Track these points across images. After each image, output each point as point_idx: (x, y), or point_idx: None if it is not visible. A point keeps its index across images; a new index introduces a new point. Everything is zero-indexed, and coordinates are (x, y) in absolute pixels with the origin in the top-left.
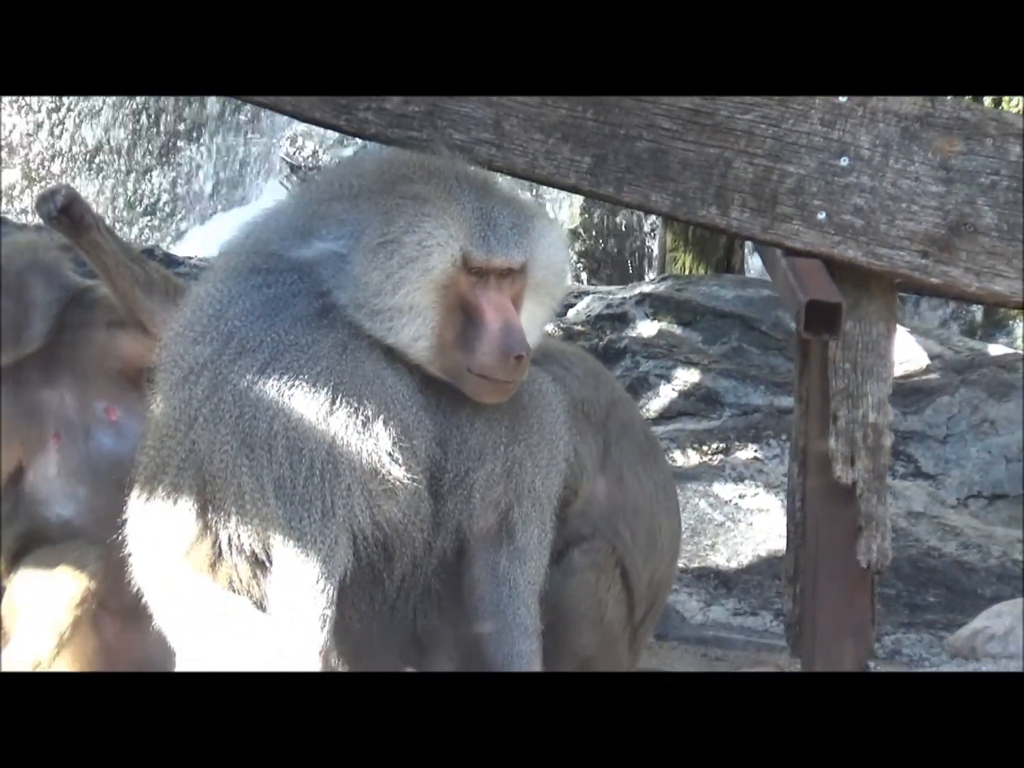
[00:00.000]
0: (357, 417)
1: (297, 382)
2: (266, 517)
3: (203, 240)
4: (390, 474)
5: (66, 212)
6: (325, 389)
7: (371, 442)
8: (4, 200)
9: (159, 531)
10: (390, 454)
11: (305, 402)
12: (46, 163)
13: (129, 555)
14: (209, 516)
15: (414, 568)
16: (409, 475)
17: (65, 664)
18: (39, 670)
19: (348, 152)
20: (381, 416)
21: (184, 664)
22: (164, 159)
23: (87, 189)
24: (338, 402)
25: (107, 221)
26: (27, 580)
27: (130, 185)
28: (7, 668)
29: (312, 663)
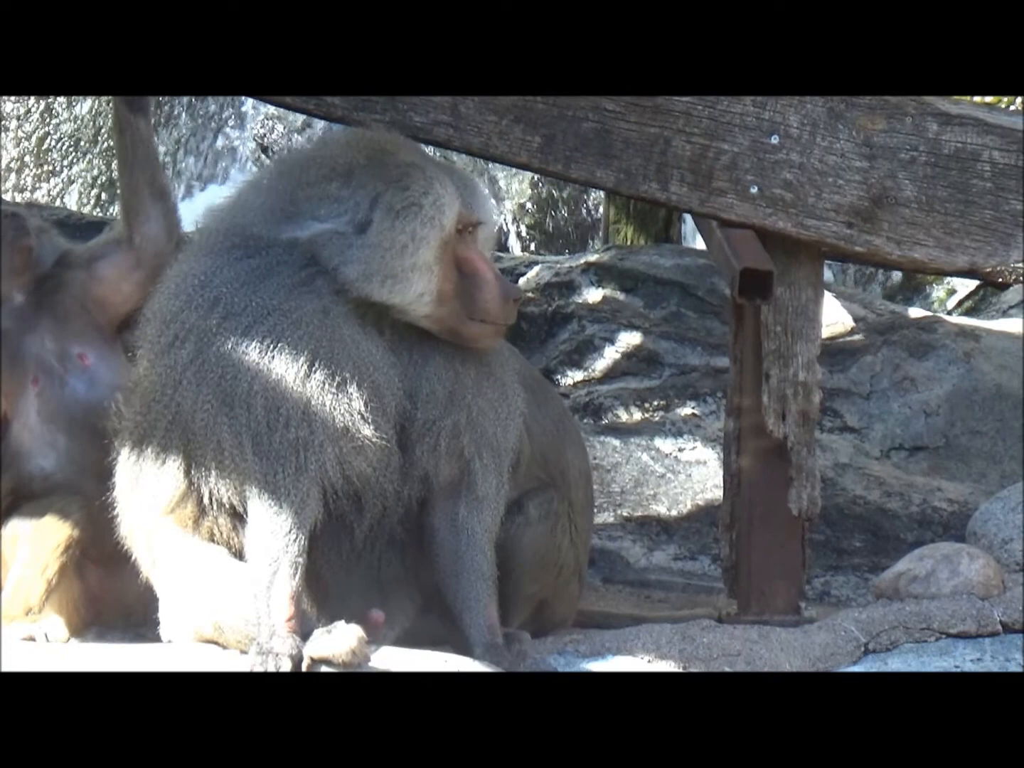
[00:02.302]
0: (333, 380)
1: (278, 345)
2: (243, 471)
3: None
4: (360, 433)
5: None
6: (304, 352)
7: (344, 403)
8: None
9: (147, 492)
10: (361, 414)
11: (285, 364)
12: (38, 143)
13: (117, 514)
14: (193, 475)
15: (382, 518)
16: (378, 433)
17: (53, 610)
18: (31, 615)
19: (317, 133)
20: (355, 379)
21: (168, 610)
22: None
23: (73, 168)
24: (315, 365)
25: (91, 200)
26: (14, 532)
27: (113, 164)
28: (1, 617)
29: (283, 608)
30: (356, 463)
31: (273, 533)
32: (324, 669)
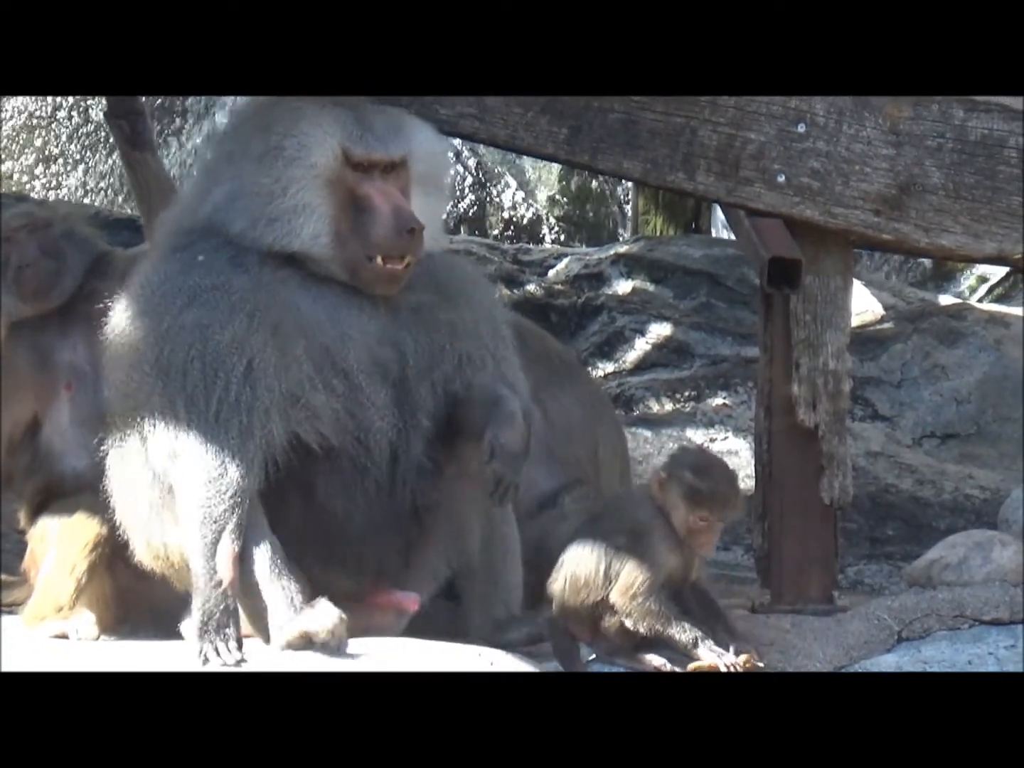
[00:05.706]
0: (274, 346)
1: (213, 315)
2: (177, 437)
3: None
4: (311, 401)
5: (132, 125)
6: (239, 318)
7: (295, 369)
8: (25, 177)
9: (127, 483)
10: (311, 379)
11: (221, 330)
12: (63, 143)
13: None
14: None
15: (397, 454)
16: (334, 397)
17: (84, 608)
18: (62, 613)
19: None
20: (301, 342)
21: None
22: (175, 136)
23: (100, 166)
24: (253, 328)
25: (117, 196)
26: (45, 532)
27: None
28: (32, 616)
29: (227, 570)
30: (311, 427)
31: (213, 496)
32: (301, 648)
